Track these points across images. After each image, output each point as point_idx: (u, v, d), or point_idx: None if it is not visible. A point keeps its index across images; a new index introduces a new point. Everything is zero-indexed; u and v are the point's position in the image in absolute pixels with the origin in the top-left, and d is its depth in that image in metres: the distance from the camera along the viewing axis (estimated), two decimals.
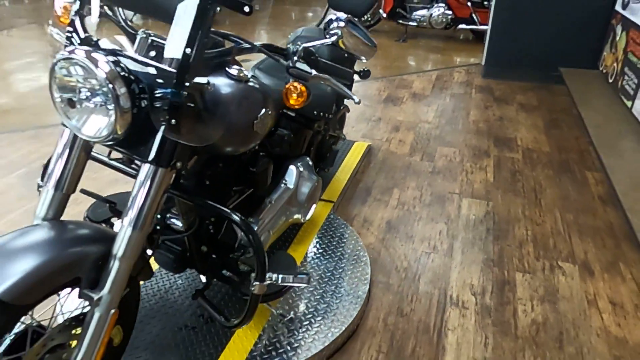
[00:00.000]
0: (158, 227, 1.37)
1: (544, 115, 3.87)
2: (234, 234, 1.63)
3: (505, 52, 4.73)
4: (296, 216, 1.94)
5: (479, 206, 2.60)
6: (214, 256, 1.60)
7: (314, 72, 1.19)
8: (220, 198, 1.56)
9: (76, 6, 1.19)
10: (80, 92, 1.06)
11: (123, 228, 1.14)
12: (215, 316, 1.52)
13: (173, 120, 1.07)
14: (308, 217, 2.02)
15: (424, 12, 6.15)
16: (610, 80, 4.16)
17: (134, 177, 1.41)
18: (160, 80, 1.08)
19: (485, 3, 5.81)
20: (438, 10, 6.06)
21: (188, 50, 1.03)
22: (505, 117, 3.83)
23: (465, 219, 2.49)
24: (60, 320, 1.20)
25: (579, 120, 3.70)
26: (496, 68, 4.77)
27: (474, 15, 5.94)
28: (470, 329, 1.81)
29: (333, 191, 2.59)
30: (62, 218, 1.25)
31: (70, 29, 1.17)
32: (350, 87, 2.11)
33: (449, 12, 6.05)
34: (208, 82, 1.11)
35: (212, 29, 1.13)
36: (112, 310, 1.15)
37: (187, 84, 1.06)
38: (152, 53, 1.20)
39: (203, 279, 1.84)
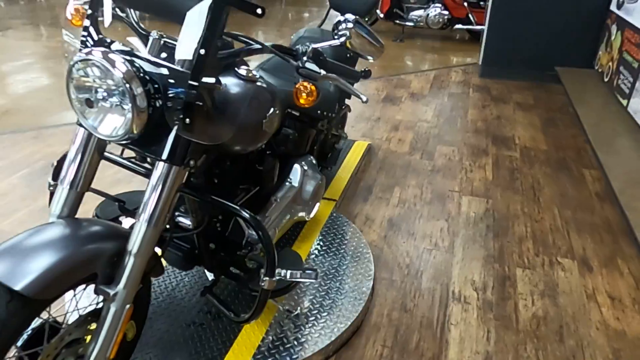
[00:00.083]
0: (167, 226, 1.40)
1: (540, 114, 3.91)
2: (241, 232, 1.66)
3: (501, 52, 4.77)
4: (301, 214, 1.97)
5: (479, 204, 2.64)
6: (221, 253, 1.63)
7: (323, 72, 1.23)
8: (228, 196, 1.59)
9: (88, 8, 1.21)
10: (97, 92, 1.09)
11: (138, 225, 1.17)
12: (225, 312, 1.55)
13: (187, 120, 1.10)
14: (312, 214, 2.05)
15: (420, 12, 6.19)
16: (606, 79, 4.22)
17: (145, 175, 1.44)
18: (174, 81, 1.10)
19: (482, 3, 5.86)
20: (435, 10, 6.10)
21: (202, 51, 1.06)
22: (503, 116, 3.88)
23: (465, 216, 2.52)
24: (74, 315, 1.22)
25: (575, 119, 3.75)
26: (493, 67, 4.81)
27: (470, 15, 5.99)
28: (473, 323, 1.85)
29: (335, 189, 2.62)
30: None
31: (85, 33, 1.20)
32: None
33: (446, 12, 6.10)
34: (220, 82, 1.14)
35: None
36: (127, 306, 1.18)
37: (200, 84, 1.09)
38: (165, 54, 1.23)
39: (209, 276, 1.87)
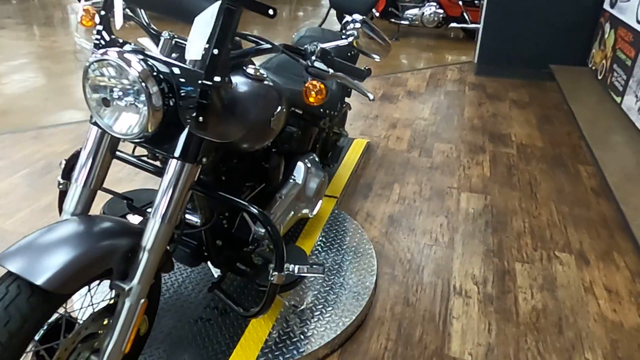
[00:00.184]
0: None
1: (536, 112, 3.97)
2: (247, 228, 1.68)
3: (496, 50, 4.83)
4: (304, 211, 2.00)
5: (477, 200, 2.68)
6: (228, 250, 1.66)
7: (331, 70, 1.26)
8: (235, 193, 1.62)
9: (101, 9, 1.23)
10: (112, 92, 1.11)
11: (152, 221, 1.20)
12: (233, 307, 1.58)
13: (200, 118, 1.13)
14: (315, 211, 2.08)
15: (415, 11, 6.24)
16: (600, 77, 4.28)
17: (155, 174, 1.47)
18: (187, 80, 1.13)
19: (476, 2, 5.91)
20: (430, 9, 6.15)
21: (215, 51, 1.09)
22: (499, 113, 3.93)
23: (464, 212, 2.57)
24: (88, 311, 1.25)
25: (570, 116, 3.81)
26: (488, 66, 4.87)
27: (465, 13, 6.04)
28: (474, 316, 1.89)
29: (336, 187, 2.65)
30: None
31: (98, 36, 1.22)
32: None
33: (441, 10, 6.14)
34: (231, 81, 1.17)
35: None
36: (142, 300, 1.20)
37: (213, 83, 1.11)
38: (176, 54, 1.26)
39: (214, 272, 1.89)
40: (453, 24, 6.16)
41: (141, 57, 1.10)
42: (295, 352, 1.63)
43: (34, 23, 7.12)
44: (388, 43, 1.50)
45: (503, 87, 4.54)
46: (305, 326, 1.73)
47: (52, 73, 4.70)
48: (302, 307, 1.81)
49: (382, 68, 5.11)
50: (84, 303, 1.25)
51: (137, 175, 2.83)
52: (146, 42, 1.27)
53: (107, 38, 1.23)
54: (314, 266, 1.50)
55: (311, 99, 1.24)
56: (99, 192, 1.31)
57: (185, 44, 1.25)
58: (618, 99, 3.74)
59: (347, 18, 1.39)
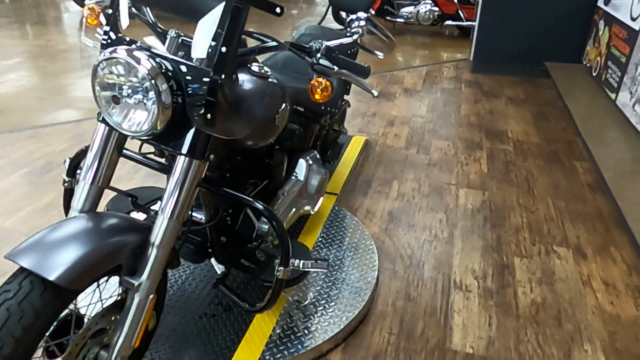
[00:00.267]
0: None
1: (531, 109, 4.00)
2: (251, 225, 1.70)
3: (492, 48, 4.86)
4: (306, 207, 2.02)
5: (476, 196, 2.71)
6: (232, 246, 1.67)
7: (336, 68, 1.28)
8: (239, 190, 1.64)
9: (108, 7, 1.24)
10: (121, 89, 1.12)
11: (160, 218, 1.21)
12: (239, 302, 1.60)
13: (208, 115, 1.14)
14: (316, 208, 2.10)
15: (411, 9, 6.26)
16: (594, 74, 4.32)
17: (161, 171, 1.48)
18: (195, 77, 1.14)
19: (471, 0, 5.95)
20: (425, 7, 6.18)
21: (224, 49, 1.10)
22: (495, 110, 3.96)
23: (463, 208, 2.59)
24: (97, 307, 1.26)
25: (565, 113, 3.85)
26: (484, 63, 4.90)
27: (460, 11, 6.07)
28: (475, 310, 1.92)
29: (336, 184, 2.67)
30: None
31: (105, 36, 1.23)
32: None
33: (436, 8, 6.17)
34: (238, 79, 1.18)
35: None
36: (151, 296, 1.22)
37: (221, 81, 1.13)
38: (182, 52, 1.27)
39: (217, 269, 1.91)
40: (448, 22, 6.19)
41: (150, 54, 1.12)
42: (299, 346, 1.65)
43: (27, 22, 7.08)
44: (392, 40, 1.52)
45: (499, 85, 4.57)
46: (309, 321, 1.75)
47: (47, 72, 4.68)
48: (306, 303, 1.82)
49: (379, 66, 5.13)
50: (92, 299, 1.26)
51: (136, 174, 2.84)
52: (152, 40, 1.28)
53: (114, 37, 1.24)
54: (319, 261, 1.52)
55: (317, 96, 1.25)
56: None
57: (191, 42, 1.26)
58: (613, 96, 3.78)
59: (352, 16, 1.41)
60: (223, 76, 1.12)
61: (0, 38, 6.03)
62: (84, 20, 1.35)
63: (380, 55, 1.50)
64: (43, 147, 3.15)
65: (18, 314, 0.98)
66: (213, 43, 1.14)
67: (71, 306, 1.18)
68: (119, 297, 1.27)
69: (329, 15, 6.86)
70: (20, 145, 3.17)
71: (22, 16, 7.49)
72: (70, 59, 5.14)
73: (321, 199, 2.13)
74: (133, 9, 1.34)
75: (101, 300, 1.25)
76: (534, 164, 3.06)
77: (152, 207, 1.61)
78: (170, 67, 1.15)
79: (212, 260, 1.78)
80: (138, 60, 1.08)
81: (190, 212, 1.58)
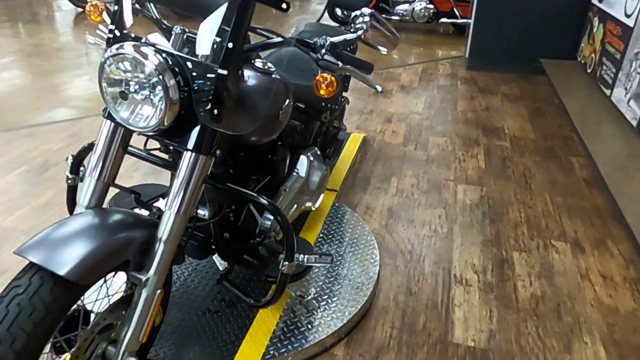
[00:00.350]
0: None
1: (527, 105, 4.03)
2: (254, 221, 1.71)
3: (487, 45, 4.89)
4: (307, 204, 2.03)
5: (474, 191, 2.73)
6: (236, 242, 1.68)
7: (340, 63, 1.29)
8: (242, 186, 1.64)
9: (113, 4, 1.24)
10: (128, 85, 1.13)
11: (167, 213, 1.21)
12: (243, 298, 1.60)
13: (215, 111, 1.15)
14: (317, 204, 2.11)
15: (406, 6, 6.28)
16: (589, 70, 4.36)
17: (166, 167, 1.49)
18: (201, 73, 1.15)
19: None
20: (420, 4, 6.19)
21: (230, 45, 1.11)
22: (491, 107, 3.99)
23: (461, 203, 2.61)
24: (104, 302, 1.26)
25: (561, 109, 3.88)
26: (479, 60, 4.93)
27: (455, 9, 6.09)
28: (475, 304, 1.94)
29: (335, 180, 2.68)
30: None
31: (110, 34, 1.23)
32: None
33: (431, 6, 6.19)
34: (244, 75, 1.19)
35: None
36: (158, 291, 1.23)
37: (228, 77, 1.13)
38: (187, 48, 1.27)
39: (219, 265, 1.92)
40: (443, 19, 6.21)
41: (157, 50, 1.12)
42: (303, 341, 1.66)
43: (20, 20, 7.02)
44: (397, 36, 1.53)
45: (494, 81, 4.60)
46: (312, 316, 1.77)
47: (41, 71, 4.65)
48: (309, 298, 1.84)
49: (376, 63, 5.14)
50: (100, 295, 1.27)
51: (135, 172, 2.83)
52: (157, 37, 1.28)
53: (119, 34, 1.24)
54: (322, 256, 1.53)
55: (322, 92, 1.26)
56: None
57: (195, 38, 1.26)
58: (607, 92, 3.82)
59: (356, 12, 1.42)
60: (229, 72, 1.13)
61: None
62: (87, 14, 1.36)
63: (384, 51, 1.51)
64: (40, 146, 3.14)
65: (29, 309, 0.98)
66: (218, 39, 1.15)
67: (79, 302, 1.18)
68: (126, 293, 1.27)
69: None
70: (17, 144, 3.16)
71: (15, 14, 7.43)
72: (64, 57, 5.11)
73: (322, 195, 2.14)
74: (137, 5, 1.34)
75: (108, 296, 1.26)
76: (530, 160, 3.09)
77: (155, 204, 1.61)
78: (176, 63, 1.16)
79: (215, 256, 1.78)
80: (145, 56, 1.08)
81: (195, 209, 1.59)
